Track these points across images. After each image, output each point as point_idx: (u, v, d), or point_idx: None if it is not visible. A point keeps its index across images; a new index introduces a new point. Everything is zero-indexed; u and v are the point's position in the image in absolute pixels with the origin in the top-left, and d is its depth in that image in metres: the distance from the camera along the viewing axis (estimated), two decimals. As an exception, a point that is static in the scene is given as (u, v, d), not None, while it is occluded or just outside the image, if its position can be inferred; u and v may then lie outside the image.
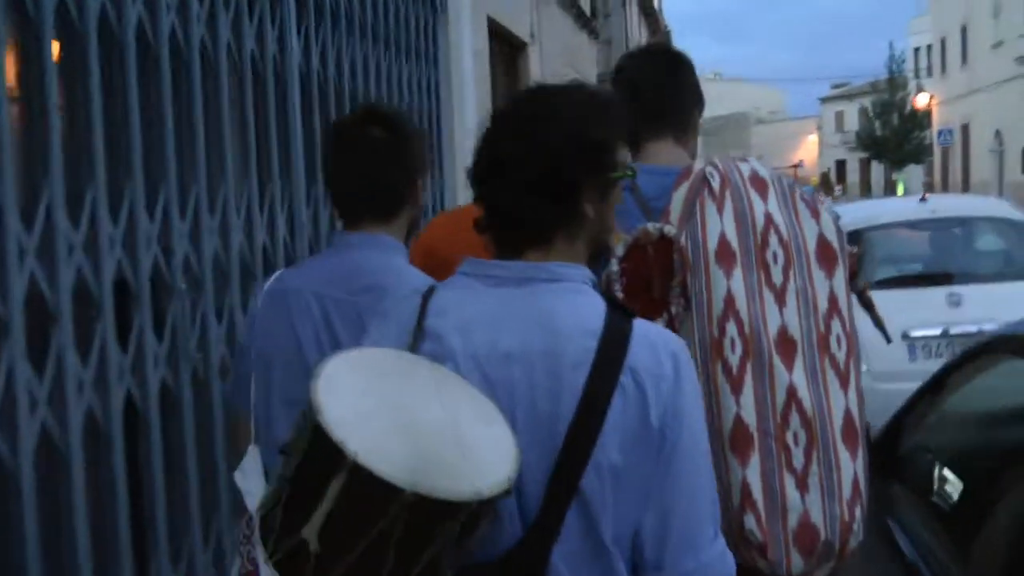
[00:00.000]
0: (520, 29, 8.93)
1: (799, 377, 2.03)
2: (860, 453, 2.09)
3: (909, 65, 49.36)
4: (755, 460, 1.99)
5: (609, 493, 1.49)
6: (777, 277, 2.07)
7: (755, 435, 1.99)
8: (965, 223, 7.36)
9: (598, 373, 1.49)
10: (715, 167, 2.14)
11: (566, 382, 1.49)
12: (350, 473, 1.29)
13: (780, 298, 2.06)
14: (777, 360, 2.02)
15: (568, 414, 1.48)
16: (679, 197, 2.13)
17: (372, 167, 2.27)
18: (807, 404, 2.02)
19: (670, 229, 2.08)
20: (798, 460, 2.01)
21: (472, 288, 1.61)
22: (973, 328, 6.11)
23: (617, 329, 1.53)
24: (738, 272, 2.04)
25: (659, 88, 2.41)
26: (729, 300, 2.02)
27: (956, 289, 6.61)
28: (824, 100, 70.38)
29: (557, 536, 1.48)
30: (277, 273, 2.41)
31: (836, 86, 71.30)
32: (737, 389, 2.00)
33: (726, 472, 1.97)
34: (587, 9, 14.51)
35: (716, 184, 2.11)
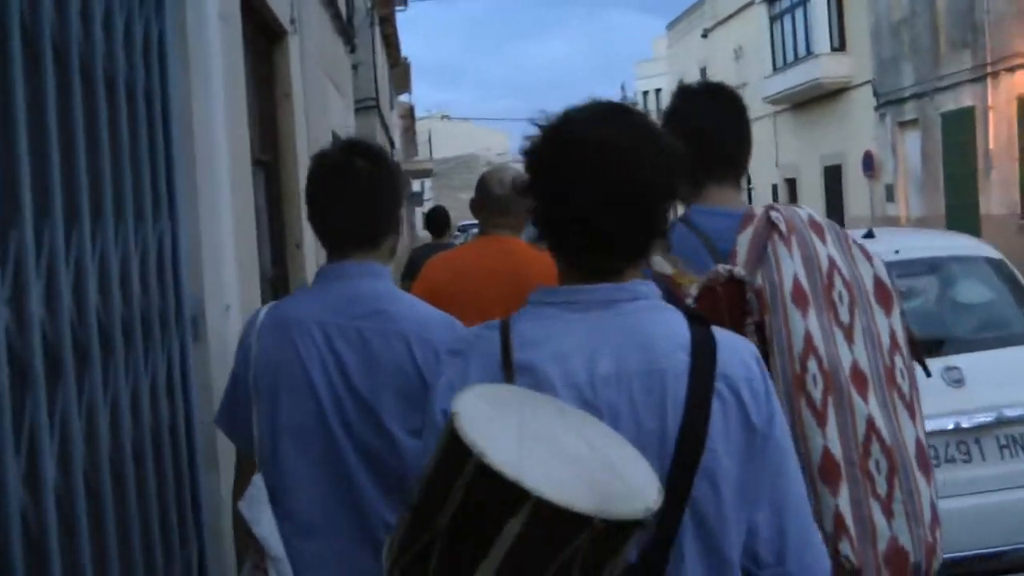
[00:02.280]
0: (280, 10, 6.20)
1: (875, 408, 2.13)
2: (932, 479, 2.21)
3: (640, 108, 49.94)
4: (844, 489, 2.07)
5: (722, 500, 1.55)
6: (844, 316, 2.18)
7: (842, 465, 2.07)
8: (937, 267, 5.40)
9: (696, 384, 1.55)
10: (779, 212, 2.25)
11: (668, 397, 1.55)
12: (533, 509, 1.28)
13: (849, 336, 2.17)
14: (855, 393, 2.12)
15: (674, 427, 1.54)
16: (745, 240, 2.22)
17: (359, 199, 2.36)
18: (885, 434, 2.12)
19: (739, 271, 2.16)
20: (881, 487, 2.10)
21: (557, 316, 1.62)
22: (989, 417, 4.40)
23: (704, 339, 1.59)
24: (812, 312, 2.14)
25: (726, 134, 2.44)
26: (808, 338, 2.11)
27: (952, 361, 4.67)
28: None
29: (672, 546, 1.51)
30: (267, 306, 2.43)
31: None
32: (823, 422, 2.08)
33: (817, 501, 2.02)
34: (343, 13, 11.91)
35: (784, 228, 2.21)
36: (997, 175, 20.73)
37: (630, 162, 1.58)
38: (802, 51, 28.86)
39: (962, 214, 22.00)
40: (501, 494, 1.29)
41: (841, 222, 28.75)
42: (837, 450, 2.08)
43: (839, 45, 27.64)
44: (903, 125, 24.70)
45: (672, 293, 2.11)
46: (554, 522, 1.29)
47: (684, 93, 2.54)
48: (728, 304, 2.14)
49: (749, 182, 37.13)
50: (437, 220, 9.30)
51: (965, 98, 21.69)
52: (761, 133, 34.25)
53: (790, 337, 2.12)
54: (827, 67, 27.52)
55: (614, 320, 1.60)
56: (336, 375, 2.30)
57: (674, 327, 1.62)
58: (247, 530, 2.35)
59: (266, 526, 2.31)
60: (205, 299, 3.05)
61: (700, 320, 1.65)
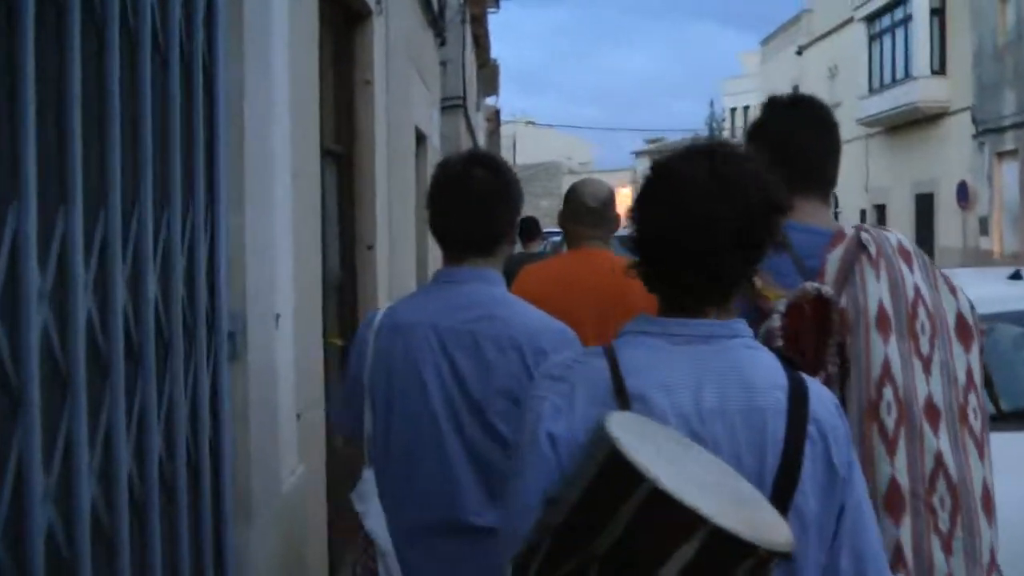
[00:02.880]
0: (365, -13, 5.79)
1: (945, 444, 2.10)
2: (994, 522, 2.17)
3: (726, 125, 49.36)
4: (907, 521, 2.05)
5: (809, 540, 1.59)
6: (924, 347, 2.15)
7: (907, 497, 2.06)
8: None
9: (792, 425, 1.59)
10: (869, 234, 2.24)
11: (768, 435, 1.59)
12: (707, 536, 1.30)
13: (927, 368, 2.14)
14: (927, 426, 2.09)
15: (772, 467, 1.58)
16: (834, 259, 2.21)
17: (478, 208, 2.42)
18: (952, 470, 2.09)
19: (827, 290, 2.13)
20: (944, 524, 2.08)
21: (658, 347, 1.65)
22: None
23: (797, 383, 1.65)
24: (893, 339, 2.12)
25: (813, 148, 2.42)
26: (886, 365, 2.09)
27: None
28: (638, 154, 70.44)
29: None
30: (384, 308, 2.50)
31: (650, 141, 71.43)
32: (892, 451, 2.06)
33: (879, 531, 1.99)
34: (435, 3, 11.49)
35: (873, 251, 2.19)
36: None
37: (713, 201, 1.62)
38: (900, 73, 27.88)
39: (1061, 251, 21.00)
40: (674, 521, 1.30)
41: (931, 253, 27.96)
42: (904, 481, 2.07)
43: (939, 68, 26.64)
44: (1001, 155, 23.67)
45: (757, 306, 2.15)
46: (724, 550, 1.31)
47: (770, 105, 2.53)
48: (814, 322, 2.12)
49: (836, 205, 36.18)
50: (528, 229, 9.33)
51: (1070, 130, 20.67)
52: (851, 156, 33.18)
53: (869, 361, 2.11)
54: (926, 91, 26.53)
55: (716, 356, 1.64)
56: (449, 378, 2.35)
57: (772, 367, 1.67)
58: (357, 524, 2.41)
59: (375, 519, 2.36)
60: (248, 307, 2.60)
61: (791, 363, 1.71)
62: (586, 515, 1.38)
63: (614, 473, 1.35)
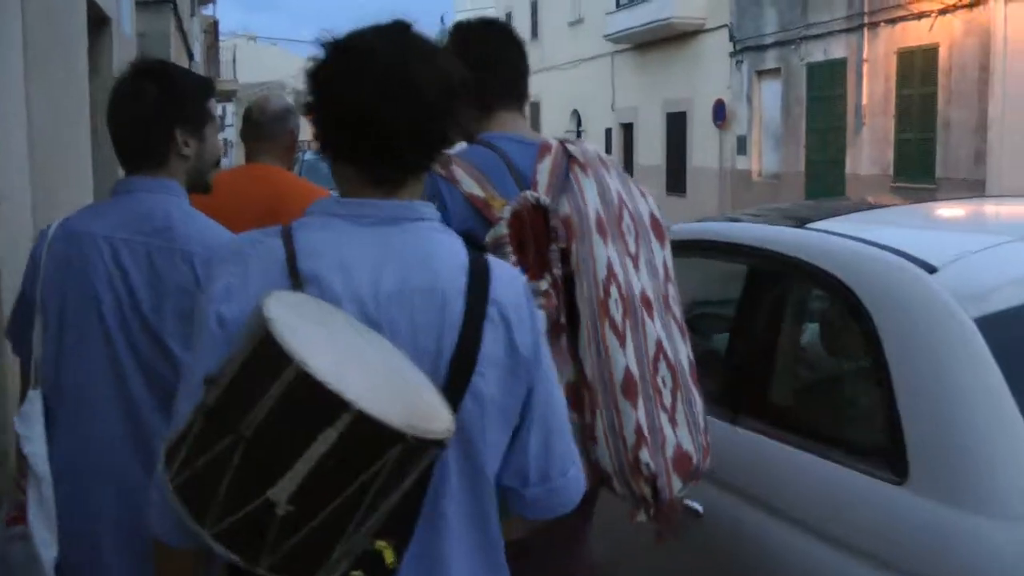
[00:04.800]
0: None
1: (660, 330, 2.31)
2: (701, 391, 2.41)
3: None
4: (640, 403, 2.22)
5: (487, 423, 1.61)
6: (632, 246, 2.32)
7: (639, 383, 2.23)
8: None
9: (471, 307, 1.59)
10: (574, 144, 2.36)
11: (446, 318, 1.58)
12: (351, 421, 1.27)
13: (635, 264, 2.31)
14: (646, 317, 2.28)
15: (449, 348, 1.57)
16: (545, 169, 2.30)
17: (134, 118, 2.37)
18: (669, 353, 2.31)
19: (545, 199, 2.22)
20: (667, 400, 2.28)
21: (342, 229, 1.62)
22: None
23: (480, 265, 1.64)
24: (609, 241, 2.26)
25: (512, 62, 2.55)
26: (609, 266, 2.23)
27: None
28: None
29: (438, 463, 1.52)
30: (59, 220, 2.41)
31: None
32: (623, 343, 2.22)
33: (618, 416, 2.20)
34: None
35: (581, 159, 2.32)
36: (869, 133, 19.01)
37: (405, 66, 1.60)
38: (652, -13, 26.47)
39: (826, 172, 20.33)
40: (319, 404, 1.27)
41: (683, 173, 27.20)
42: (635, 369, 2.23)
43: (694, -18, 25.36)
44: (762, 74, 22.75)
45: (482, 214, 2.23)
46: (369, 436, 1.29)
47: (459, 28, 2.61)
48: (533, 230, 2.19)
49: (580, 124, 35.03)
50: None
51: (836, 49, 19.84)
52: (597, 73, 32.12)
53: (595, 264, 2.22)
54: (681, 7, 25.22)
55: (400, 237, 1.62)
56: (124, 293, 2.28)
57: (454, 250, 1.66)
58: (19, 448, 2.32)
59: (36, 444, 2.28)
60: None
61: (477, 246, 1.74)
62: (237, 395, 1.34)
63: (265, 353, 1.32)
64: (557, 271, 2.19)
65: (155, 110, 2.36)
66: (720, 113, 24.01)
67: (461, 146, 2.40)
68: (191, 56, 23.37)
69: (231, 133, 42.69)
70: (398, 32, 1.65)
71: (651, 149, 28.64)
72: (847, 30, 19.37)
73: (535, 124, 38.64)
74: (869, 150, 19.05)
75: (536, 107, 38.20)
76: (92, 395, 2.27)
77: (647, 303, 2.29)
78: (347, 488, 1.29)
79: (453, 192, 2.26)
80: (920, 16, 17.42)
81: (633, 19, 27.45)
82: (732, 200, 23.83)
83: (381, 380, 1.39)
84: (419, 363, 1.53)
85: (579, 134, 34.66)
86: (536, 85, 30.64)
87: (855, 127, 19.38)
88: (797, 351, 3.17)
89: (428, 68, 1.61)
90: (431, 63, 1.62)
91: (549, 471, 1.70)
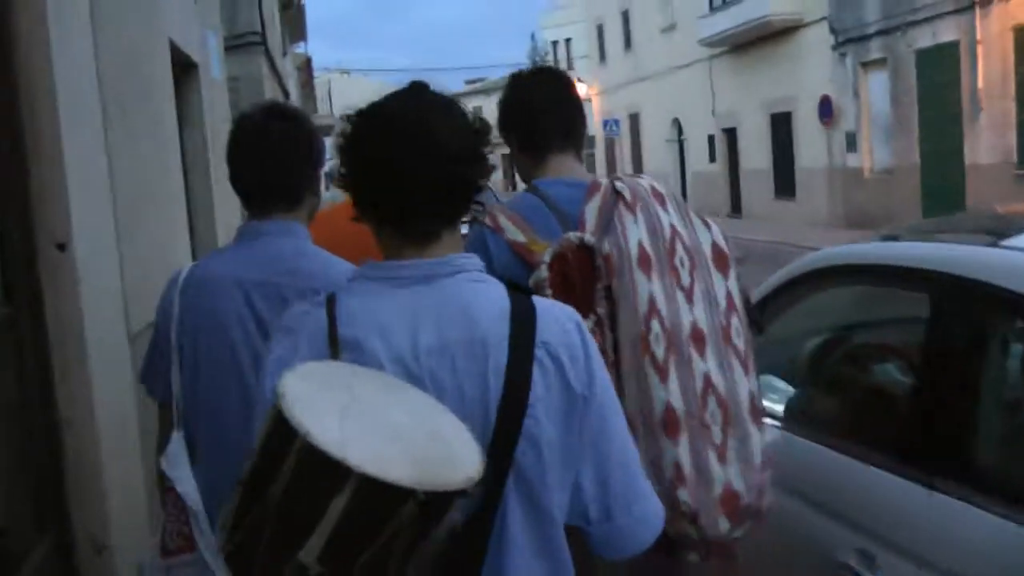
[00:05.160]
0: None
1: (712, 365, 2.28)
2: (764, 428, 2.36)
3: (549, 59, 47.45)
4: (684, 440, 2.20)
5: (545, 464, 1.61)
6: (685, 280, 2.32)
7: (682, 418, 2.21)
8: None
9: (516, 351, 1.61)
10: (623, 182, 2.39)
11: (490, 365, 1.60)
12: (357, 485, 1.32)
13: (689, 298, 2.31)
14: (693, 352, 2.26)
15: (496, 394, 1.59)
16: (593, 208, 2.34)
17: (279, 161, 2.42)
18: (720, 388, 2.28)
19: (589, 238, 2.27)
20: (717, 436, 2.24)
21: (379, 292, 1.67)
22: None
23: (524, 308, 1.66)
24: (655, 276, 2.27)
25: (567, 107, 2.66)
26: (651, 301, 2.24)
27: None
28: (460, 95, 67.40)
29: (498, 509, 1.58)
30: (190, 265, 2.48)
31: (470, 82, 69.10)
32: (664, 378, 2.22)
33: (659, 453, 2.18)
34: None
35: (629, 197, 2.34)
36: (987, 119, 18.06)
37: (426, 122, 1.65)
38: (745, -13, 25.82)
39: (942, 163, 19.39)
40: (327, 472, 1.32)
41: (791, 175, 26.33)
42: (678, 404, 2.21)
43: (788, -22, 24.64)
44: (867, 65, 21.90)
45: (524, 260, 2.32)
46: (378, 497, 1.33)
47: (513, 77, 2.73)
48: (579, 269, 2.23)
49: (681, 133, 34.41)
50: None
51: (946, 32, 18.93)
52: (694, 80, 31.50)
53: (636, 299, 2.23)
54: (776, 3, 24.53)
55: (436, 294, 1.65)
56: (256, 335, 2.33)
57: (494, 298, 1.67)
58: (167, 487, 2.39)
59: (186, 483, 2.36)
60: None
61: (522, 291, 1.72)
62: (264, 467, 1.41)
63: (279, 426, 1.38)
64: (602, 309, 2.23)
65: (300, 152, 2.45)
66: (826, 110, 23.21)
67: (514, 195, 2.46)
68: (286, 95, 23.60)
69: (332, 167, 43.25)
70: (416, 92, 1.72)
71: (756, 153, 27.89)
72: (956, 11, 18.46)
73: (635, 135, 38.33)
74: (989, 137, 18.08)
75: (636, 118, 37.79)
76: (228, 436, 2.29)
77: (699, 337, 2.28)
78: (371, 546, 1.34)
79: (499, 241, 2.40)
80: (1035, -9, 16.51)
81: (728, 20, 26.84)
82: (843, 200, 22.99)
83: (400, 439, 1.43)
84: (467, 413, 1.56)
85: (680, 143, 34.11)
86: (633, 95, 30.39)
87: (972, 114, 18.43)
88: (1008, 397, 2.71)
89: (447, 121, 1.67)
90: (449, 116, 1.68)
91: (612, 509, 1.68)
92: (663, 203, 2.37)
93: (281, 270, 2.33)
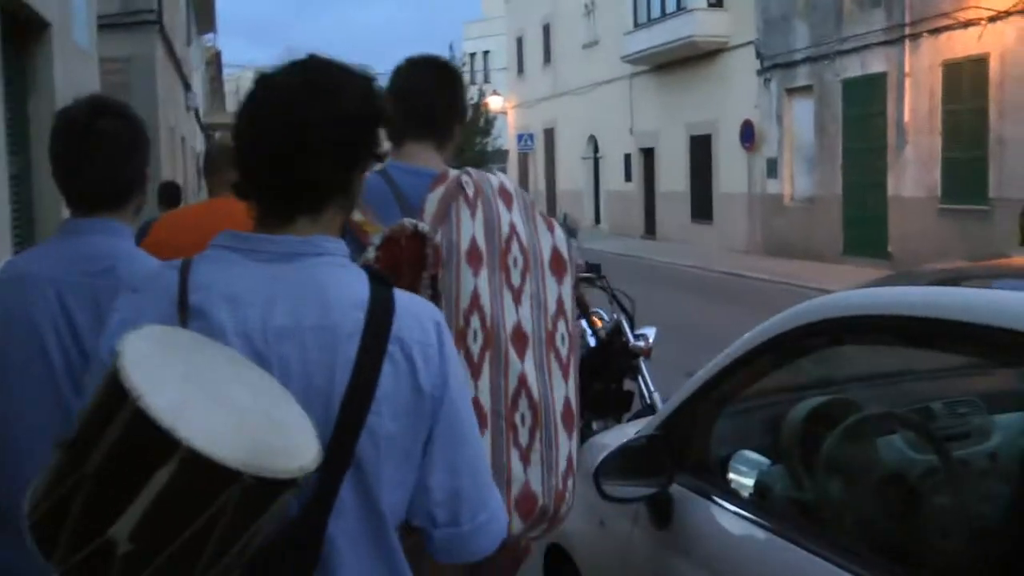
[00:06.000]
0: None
1: (529, 367, 2.29)
2: (575, 435, 2.37)
3: (466, 70, 46.71)
4: (487, 436, 2.21)
5: (383, 460, 1.56)
6: (516, 279, 2.32)
7: (488, 415, 2.21)
8: None
9: (367, 344, 1.55)
10: (470, 176, 2.37)
11: (339, 355, 1.54)
12: (183, 459, 1.25)
13: (517, 298, 2.31)
14: (512, 351, 2.27)
15: (342, 386, 1.54)
16: (434, 198, 2.33)
17: (107, 160, 2.29)
18: (535, 391, 2.28)
19: (424, 226, 2.25)
20: (523, 438, 2.26)
21: (237, 263, 1.60)
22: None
23: (382, 301, 1.60)
24: (484, 272, 2.27)
25: (430, 96, 2.63)
26: (475, 296, 2.23)
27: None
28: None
29: (332, 506, 1.52)
30: (4, 261, 2.42)
31: (391, 90, 68.23)
32: (476, 375, 2.22)
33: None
34: None
35: (471, 192, 2.32)
36: (913, 152, 17.74)
37: (290, 104, 1.59)
38: (671, 6, 25.35)
39: (865, 194, 19.07)
40: (155, 441, 1.26)
41: (710, 199, 25.86)
42: (486, 401, 2.21)
43: (716, 1, 24.20)
44: (792, 92, 21.51)
45: (358, 239, 2.25)
46: (203, 474, 1.26)
47: (399, 66, 2.69)
48: (408, 257, 2.20)
49: (597, 151, 33.82)
50: (168, 195, 8.58)
51: (875, 63, 18.60)
52: (614, 97, 30.95)
53: (459, 293, 2.22)
54: (703, 24, 24.07)
55: (295, 274, 1.59)
56: (68, 336, 2.24)
57: (354, 286, 1.61)
58: None
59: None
60: None
61: (383, 282, 1.66)
62: (87, 431, 1.33)
63: (113, 389, 1.30)
64: (426, 296, 2.19)
65: (128, 151, 2.34)
66: (748, 135, 22.77)
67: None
68: (187, 87, 22.30)
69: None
70: (301, 69, 1.64)
71: (674, 174, 27.39)
72: (886, 42, 18.13)
73: (550, 151, 37.70)
74: (913, 171, 17.75)
75: (550, 133, 37.16)
76: (39, 436, 2.07)
77: (520, 337, 2.30)
78: (188, 527, 1.27)
79: None
80: (967, 24, 16.19)
81: (652, 39, 26.34)
82: (762, 227, 22.58)
83: (236, 418, 1.35)
84: (311, 400, 1.51)
85: (596, 161, 33.53)
86: (550, 110, 29.63)
87: (897, 146, 18.10)
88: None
89: (316, 105, 1.59)
90: (321, 100, 1.60)
91: (459, 515, 1.65)
92: (508, 202, 2.39)
93: (95, 270, 2.23)
